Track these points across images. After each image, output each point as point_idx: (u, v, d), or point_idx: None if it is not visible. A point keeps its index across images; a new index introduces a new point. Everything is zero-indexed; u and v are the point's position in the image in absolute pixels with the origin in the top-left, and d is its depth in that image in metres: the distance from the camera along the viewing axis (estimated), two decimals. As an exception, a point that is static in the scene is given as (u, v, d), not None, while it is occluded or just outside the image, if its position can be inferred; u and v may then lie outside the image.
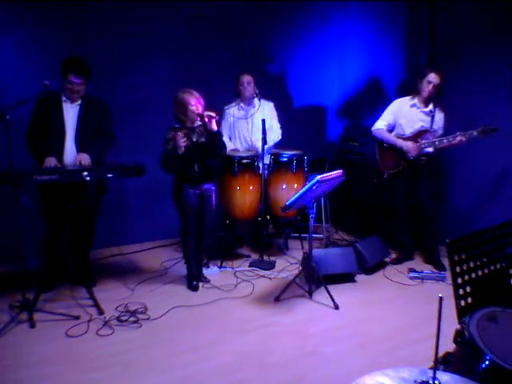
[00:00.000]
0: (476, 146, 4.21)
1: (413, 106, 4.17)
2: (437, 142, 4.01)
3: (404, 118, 4.19)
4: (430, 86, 4.00)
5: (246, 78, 4.40)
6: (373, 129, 4.32)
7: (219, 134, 3.73)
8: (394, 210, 4.40)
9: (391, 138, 4.23)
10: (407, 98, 4.21)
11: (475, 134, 3.80)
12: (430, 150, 4.12)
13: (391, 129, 4.29)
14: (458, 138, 3.85)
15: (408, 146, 4.10)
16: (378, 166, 4.32)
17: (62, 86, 3.53)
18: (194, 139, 3.67)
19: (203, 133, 3.71)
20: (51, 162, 3.44)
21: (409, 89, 4.38)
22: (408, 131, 4.17)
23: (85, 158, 3.54)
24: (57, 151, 3.53)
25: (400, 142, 4.15)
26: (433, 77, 3.99)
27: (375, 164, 4.35)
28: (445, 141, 3.96)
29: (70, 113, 3.60)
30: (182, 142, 3.56)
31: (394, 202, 4.37)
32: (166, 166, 3.64)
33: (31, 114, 3.56)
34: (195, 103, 3.62)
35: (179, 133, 3.57)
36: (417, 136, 4.11)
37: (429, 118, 4.10)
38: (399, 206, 4.33)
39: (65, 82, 3.51)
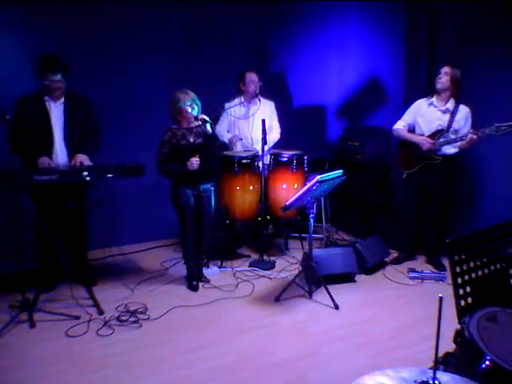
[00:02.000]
0: (493, 148, 4.18)
1: (430, 104, 4.13)
2: (451, 140, 3.97)
3: (422, 116, 4.16)
4: (440, 76, 4.00)
5: (253, 76, 4.42)
6: (393, 129, 4.32)
7: (214, 136, 3.70)
8: (404, 209, 4.40)
9: (408, 134, 4.22)
10: (426, 98, 4.19)
11: (487, 131, 3.72)
12: (451, 150, 4.05)
13: (412, 129, 4.28)
14: (469, 136, 3.80)
15: (422, 139, 4.08)
16: (397, 166, 4.36)
17: (42, 86, 3.48)
18: (191, 140, 3.67)
19: (201, 133, 3.70)
20: (45, 161, 3.42)
21: (411, 90, 4.37)
22: (426, 131, 4.13)
23: (84, 159, 3.53)
24: (46, 152, 3.50)
25: (416, 138, 4.13)
26: (445, 69, 3.99)
27: (395, 164, 4.39)
28: (458, 139, 3.93)
29: (55, 112, 3.57)
30: (197, 163, 3.56)
31: (406, 202, 4.36)
32: (163, 170, 3.64)
33: (13, 117, 3.42)
34: (191, 104, 3.62)
35: (195, 159, 3.57)
36: (434, 135, 4.07)
37: (446, 117, 4.04)
38: (410, 207, 4.32)
39: (44, 81, 3.46)
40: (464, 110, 4.03)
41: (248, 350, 2.99)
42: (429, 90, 4.23)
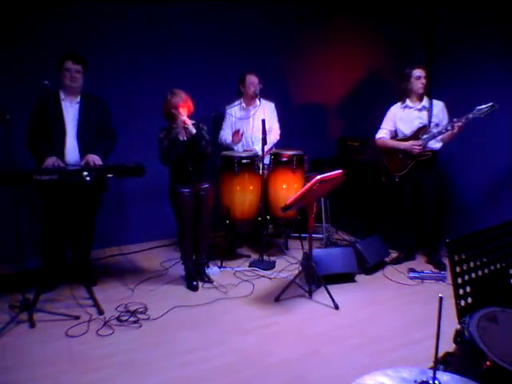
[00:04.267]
0: (480, 145, 4.23)
1: (405, 107, 4.21)
2: (436, 133, 4.01)
3: (401, 121, 4.23)
4: (421, 80, 4.05)
5: (253, 78, 4.44)
6: (376, 139, 4.35)
7: (199, 135, 3.70)
8: (401, 211, 4.40)
9: (393, 142, 4.25)
10: (398, 103, 4.26)
11: (471, 116, 3.76)
12: (437, 145, 4.11)
13: (394, 135, 4.32)
14: (456, 125, 3.84)
15: (409, 144, 4.11)
16: (388, 171, 4.36)
17: (61, 80, 3.53)
18: (184, 139, 3.68)
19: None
20: (51, 161, 3.43)
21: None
22: (408, 132, 4.18)
23: (96, 159, 3.55)
24: (58, 150, 3.53)
25: (403, 144, 4.16)
26: (419, 71, 4.06)
27: (385, 169, 4.38)
28: (443, 130, 3.96)
29: (70, 111, 3.60)
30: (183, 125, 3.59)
31: (402, 203, 4.36)
32: (165, 158, 3.66)
33: (30, 116, 3.55)
34: (182, 106, 3.62)
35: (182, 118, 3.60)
36: (417, 133, 4.11)
37: (424, 114, 4.11)
38: (407, 207, 4.33)
39: (63, 72, 3.51)
40: (439, 104, 4.12)
41: (248, 350, 2.99)
42: (399, 94, 4.26)
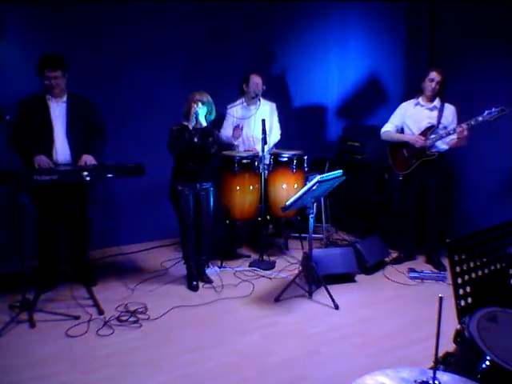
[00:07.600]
0: (487, 146, 4.23)
1: (417, 104, 4.19)
2: (444, 134, 4.00)
3: (410, 118, 4.21)
4: (433, 84, 4.05)
5: (257, 79, 4.45)
6: (381, 132, 4.34)
7: (209, 130, 3.73)
8: (403, 210, 4.40)
9: (398, 135, 4.25)
10: (412, 100, 4.25)
11: (480, 119, 3.75)
12: (444, 147, 4.11)
13: (400, 131, 4.31)
14: (465, 126, 3.83)
15: (414, 137, 4.11)
16: (391, 169, 4.36)
17: (43, 85, 3.53)
18: (195, 140, 3.69)
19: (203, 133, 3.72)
20: (41, 160, 3.43)
21: (412, 90, 4.37)
22: (416, 130, 4.17)
23: (90, 160, 3.55)
24: (46, 149, 3.51)
25: (407, 137, 4.17)
26: (434, 75, 4.05)
27: (389, 167, 4.38)
28: (451, 131, 3.96)
29: (57, 111, 3.59)
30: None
31: (405, 203, 4.36)
32: (172, 145, 3.65)
33: (15, 118, 3.47)
34: (198, 104, 3.64)
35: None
36: (425, 133, 4.10)
37: (435, 114, 4.11)
38: (409, 207, 4.33)
39: (44, 79, 3.50)
40: (450, 107, 4.12)
41: (248, 350, 2.99)
42: (415, 91, 4.26)
